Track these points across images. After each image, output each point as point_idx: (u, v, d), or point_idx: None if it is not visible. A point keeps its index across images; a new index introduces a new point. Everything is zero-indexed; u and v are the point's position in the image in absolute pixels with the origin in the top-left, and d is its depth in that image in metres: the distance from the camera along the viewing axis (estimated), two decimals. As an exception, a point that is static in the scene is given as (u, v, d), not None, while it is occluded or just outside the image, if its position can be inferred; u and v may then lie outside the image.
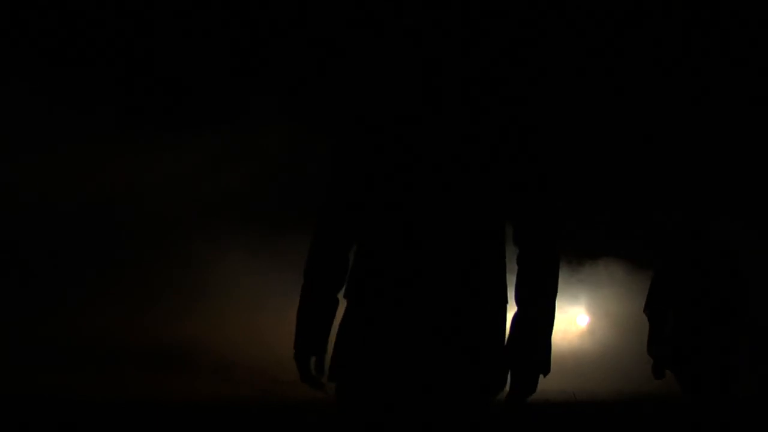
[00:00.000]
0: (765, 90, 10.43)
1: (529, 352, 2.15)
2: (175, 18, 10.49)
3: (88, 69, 10.06)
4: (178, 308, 9.69)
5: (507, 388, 2.20)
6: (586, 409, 8.01)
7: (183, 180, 10.36)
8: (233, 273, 9.85)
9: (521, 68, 9.90)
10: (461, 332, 2.13)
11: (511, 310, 2.23)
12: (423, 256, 2.13)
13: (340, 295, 2.27)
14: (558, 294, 2.22)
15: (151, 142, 10.19)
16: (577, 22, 10.65)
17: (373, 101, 2.25)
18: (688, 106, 10.75)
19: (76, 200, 9.91)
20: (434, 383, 2.12)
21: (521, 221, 2.20)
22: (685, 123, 10.82)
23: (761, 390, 7.30)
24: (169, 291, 9.80)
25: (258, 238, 10.03)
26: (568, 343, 10.94)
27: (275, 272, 8.97)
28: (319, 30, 10.43)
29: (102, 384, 8.37)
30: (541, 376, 2.18)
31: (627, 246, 11.17)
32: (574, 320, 11.37)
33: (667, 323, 4.38)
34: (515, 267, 2.27)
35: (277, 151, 10.18)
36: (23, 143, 9.90)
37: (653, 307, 4.43)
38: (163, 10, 10.49)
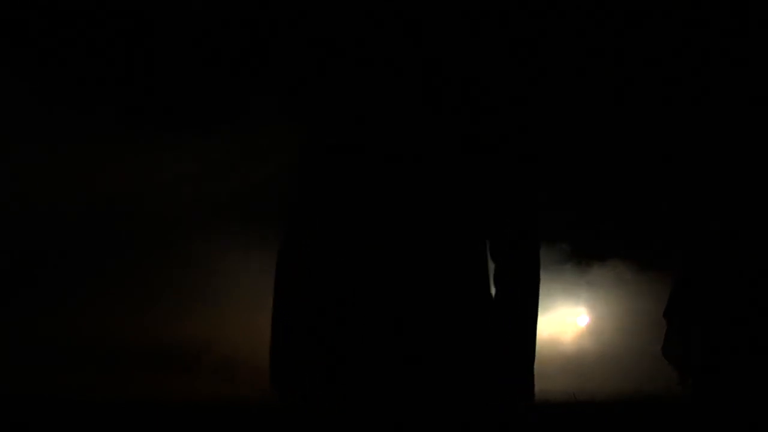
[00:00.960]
0: (765, 90, 10.42)
1: (511, 382, 2.10)
2: (175, 18, 10.49)
3: (88, 69, 10.05)
4: (178, 308, 9.68)
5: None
6: (586, 409, 8.00)
7: (183, 180, 10.35)
8: (233, 273, 9.83)
9: (521, 68, 9.89)
10: (442, 337, 2.09)
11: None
12: (418, 255, 2.11)
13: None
14: (559, 294, 2.20)
15: (152, 142, 10.18)
16: (577, 22, 10.64)
17: (372, 101, 2.24)
18: (689, 105, 10.74)
19: (76, 200, 9.90)
20: (419, 387, 2.09)
21: (509, 225, 2.14)
22: (688, 123, 10.81)
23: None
24: (169, 291, 9.79)
25: (258, 238, 10.01)
26: (569, 343, 10.93)
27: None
28: (319, 30, 10.42)
29: (102, 384, 8.36)
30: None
31: (628, 246, 11.15)
32: (574, 320, 11.35)
33: (686, 327, 4.28)
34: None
35: (277, 151, 10.17)
36: (23, 143, 9.89)
37: (674, 312, 4.33)
38: (163, 10, 10.48)
